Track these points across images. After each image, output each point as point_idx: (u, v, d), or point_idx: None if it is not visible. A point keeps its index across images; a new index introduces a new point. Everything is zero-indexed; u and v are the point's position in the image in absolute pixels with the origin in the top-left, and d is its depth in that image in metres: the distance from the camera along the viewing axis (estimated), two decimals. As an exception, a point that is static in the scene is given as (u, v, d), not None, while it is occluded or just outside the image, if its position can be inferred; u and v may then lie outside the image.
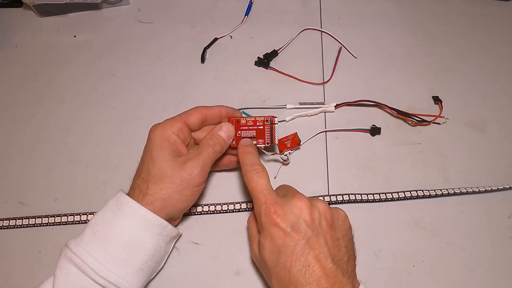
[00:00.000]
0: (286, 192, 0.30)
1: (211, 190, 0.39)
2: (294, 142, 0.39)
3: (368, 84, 0.46)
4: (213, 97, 0.45)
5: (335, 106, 0.44)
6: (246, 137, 0.35)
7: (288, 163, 0.40)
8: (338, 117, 0.44)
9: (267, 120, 0.35)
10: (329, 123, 0.44)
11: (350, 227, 0.30)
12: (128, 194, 0.32)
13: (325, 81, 0.46)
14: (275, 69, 0.47)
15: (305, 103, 0.44)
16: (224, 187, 0.40)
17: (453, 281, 0.35)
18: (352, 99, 0.44)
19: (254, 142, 0.35)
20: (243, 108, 0.43)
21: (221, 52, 0.48)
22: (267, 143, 0.36)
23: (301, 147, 0.41)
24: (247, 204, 0.38)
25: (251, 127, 0.35)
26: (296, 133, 0.39)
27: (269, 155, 0.37)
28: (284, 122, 0.43)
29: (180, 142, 0.33)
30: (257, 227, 0.30)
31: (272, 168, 0.41)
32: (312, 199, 0.29)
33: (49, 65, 0.46)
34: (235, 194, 0.39)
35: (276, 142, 0.36)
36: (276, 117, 0.35)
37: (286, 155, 0.39)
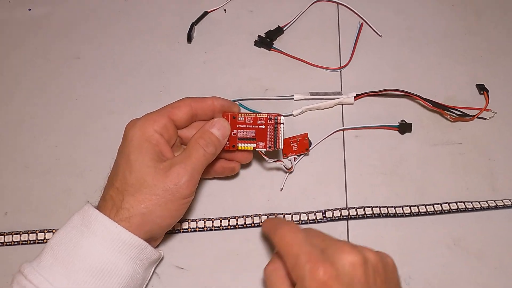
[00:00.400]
0: (322, 242, 0.29)
1: (200, 203, 0.39)
2: (302, 145, 0.39)
3: (395, 70, 0.46)
4: (202, 86, 0.45)
5: (354, 97, 0.44)
6: (244, 138, 0.36)
7: (292, 171, 0.40)
8: (359, 111, 0.44)
9: (270, 118, 0.35)
10: (347, 119, 0.44)
11: (398, 277, 0.30)
12: (98, 208, 0.32)
13: (342, 65, 0.46)
14: (279, 51, 0.46)
15: (317, 93, 0.44)
16: (217, 199, 0.40)
17: (502, 316, 0.36)
18: (376, 88, 0.44)
19: (253, 144, 0.36)
20: (240, 100, 0.44)
21: (212, 30, 0.48)
22: (269, 148, 0.36)
23: (312, 150, 0.42)
24: (244, 220, 0.38)
25: (251, 126, 0.35)
26: (306, 134, 0.39)
27: (270, 162, 0.37)
28: (291, 117, 0.43)
29: (164, 142, 0.33)
30: (289, 284, 0.29)
31: (275, 175, 0.40)
32: (362, 249, 0.28)
33: (-2, 45, 0.46)
34: (229, 208, 0.39)
35: (281, 146, 0.36)
36: (282, 115, 0.36)
37: (290, 160, 0.39)
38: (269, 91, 0.45)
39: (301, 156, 0.41)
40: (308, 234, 0.30)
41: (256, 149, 0.36)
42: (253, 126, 0.35)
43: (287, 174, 0.40)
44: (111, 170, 0.33)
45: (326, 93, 0.44)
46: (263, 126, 0.35)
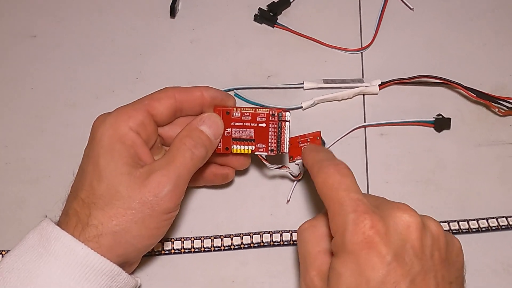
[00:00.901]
0: (376, 201, 0.30)
1: (186, 217, 0.39)
2: None
3: (430, 51, 0.46)
4: (189, 72, 0.45)
5: (379, 86, 0.44)
6: (240, 138, 0.36)
7: (301, 178, 0.40)
8: (384, 103, 0.44)
9: (273, 115, 0.35)
10: (370, 113, 0.44)
11: (464, 266, 0.30)
12: (59, 224, 0.31)
13: (364, 46, 0.46)
14: (285, 28, 0.47)
15: (332, 81, 0.44)
16: (207, 213, 0.40)
17: None
18: (406, 74, 0.44)
19: (251, 147, 0.36)
20: (236, 89, 0.44)
21: (201, 1, 0.48)
22: (271, 151, 0.36)
23: (330, 148, 0.41)
24: (241, 239, 0.38)
25: (248, 124, 0.35)
26: (319, 133, 0.39)
27: (272, 169, 0.37)
28: (300, 110, 0.43)
29: (141, 143, 0.33)
30: (326, 246, 0.30)
31: (279, 184, 0.41)
32: (422, 215, 0.29)
33: None
34: (223, 224, 0.39)
35: (286, 150, 0.36)
36: (288, 110, 0.35)
37: (298, 165, 0.39)
38: (272, 78, 0.45)
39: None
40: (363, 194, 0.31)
41: (255, 153, 0.36)
42: (252, 124, 0.35)
43: (295, 182, 0.40)
44: (75, 177, 0.33)
45: (343, 81, 0.44)
46: (264, 124, 0.35)
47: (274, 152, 0.36)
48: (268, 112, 0.35)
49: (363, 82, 0.44)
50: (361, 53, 0.46)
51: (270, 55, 0.46)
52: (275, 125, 0.35)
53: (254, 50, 0.46)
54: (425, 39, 0.47)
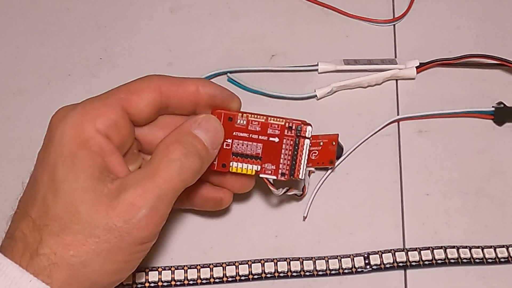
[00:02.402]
0: None
1: (167, 240, 0.39)
2: (325, 153, 0.39)
3: (483, 23, 0.45)
4: (168, 49, 0.45)
5: (417, 68, 0.43)
6: (243, 154, 0.35)
7: (305, 194, 0.40)
8: (424, 91, 0.44)
9: (290, 128, 0.35)
10: (405, 103, 0.43)
11: None
12: (1, 250, 0.31)
13: (396, 16, 0.46)
14: (295, -8, 0.46)
15: (356, 62, 0.44)
16: (194, 234, 0.40)
17: None
18: (452, 53, 0.44)
19: (255, 166, 0.35)
20: (230, 72, 0.43)
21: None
22: (282, 175, 0.36)
23: (349, 155, 0.42)
24: (237, 269, 0.38)
25: (256, 136, 0.35)
26: (336, 137, 0.39)
27: (279, 194, 0.37)
28: (314, 100, 0.43)
29: (112, 150, 0.33)
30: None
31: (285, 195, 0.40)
32: None
33: None
34: (214, 249, 0.39)
35: (301, 176, 0.36)
36: (309, 124, 0.35)
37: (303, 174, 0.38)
38: (277, 58, 0.45)
39: (326, 174, 0.41)
40: None
41: (260, 175, 0.36)
42: (261, 137, 0.35)
43: (315, 194, 0.41)
44: (24, 190, 0.33)
45: (370, 62, 0.44)
46: (277, 139, 0.35)
47: (286, 177, 0.36)
48: (283, 123, 0.35)
49: (396, 64, 0.44)
50: (394, 25, 0.46)
51: (274, 28, 0.46)
52: (291, 142, 0.35)
53: (254, 21, 0.46)
54: (477, 7, 0.46)
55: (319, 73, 0.44)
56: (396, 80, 0.44)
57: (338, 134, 0.39)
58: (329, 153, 0.39)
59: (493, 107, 0.42)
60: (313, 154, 0.39)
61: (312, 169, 0.39)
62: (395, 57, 0.45)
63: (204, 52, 0.45)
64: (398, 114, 0.43)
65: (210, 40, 0.45)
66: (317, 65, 0.44)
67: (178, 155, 0.32)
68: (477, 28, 0.46)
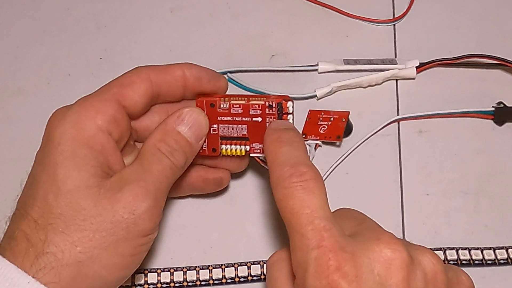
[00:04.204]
0: (356, 226, 0.30)
1: (165, 241, 0.39)
2: (334, 129, 0.39)
3: (483, 23, 0.45)
4: (168, 49, 0.45)
5: (417, 68, 0.44)
6: (230, 137, 0.36)
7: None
8: (424, 90, 0.44)
9: (270, 106, 0.35)
10: (405, 103, 0.43)
11: None
12: (1, 250, 0.31)
13: (397, 16, 0.46)
14: (295, -8, 0.46)
15: (355, 62, 0.44)
16: (192, 235, 0.40)
17: None
18: (452, 53, 0.44)
19: (245, 147, 0.36)
20: (230, 72, 0.43)
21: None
22: None
23: (349, 155, 0.42)
24: (236, 270, 0.38)
25: (240, 118, 0.35)
26: (347, 114, 0.39)
27: None
28: (314, 100, 0.43)
29: (113, 147, 0.33)
30: (293, 283, 0.29)
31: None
32: (412, 247, 0.29)
33: None
34: (213, 249, 0.39)
35: None
36: (290, 99, 0.35)
37: (309, 145, 0.39)
38: (277, 58, 0.44)
39: (326, 173, 0.40)
40: (340, 211, 0.32)
41: (251, 155, 0.36)
42: (244, 119, 0.35)
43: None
44: (22, 190, 0.33)
45: (370, 62, 0.44)
46: (259, 119, 0.35)
47: None
48: (263, 103, 0.35)
49: (396, 64, 0.44)
50: (394, 25, 0.46)
51: (274, 28, 0.46)
52: (274, 119, 0.35)
53: (254, 21, 0.46)
54: (477, 7, 0.46)
55: (319, 73, 0.44)
56: (396, 80, 0.44)
57: (349, 112, 0.39)
58: (338, 128, 0.39)
59: (493, 107, 0.42)
60: (322, 128, 0.39)
61: (319, 142, 0.40)
62: (395, 57, 0.45)
63: (204, 52, 0.45)
64: (398, 114, 0.43)
65: (210, 40, 0.45)
66: (317, 65, 0.44)
67: (166, 152, 0.33)
68: (477, 28, 0.46)
